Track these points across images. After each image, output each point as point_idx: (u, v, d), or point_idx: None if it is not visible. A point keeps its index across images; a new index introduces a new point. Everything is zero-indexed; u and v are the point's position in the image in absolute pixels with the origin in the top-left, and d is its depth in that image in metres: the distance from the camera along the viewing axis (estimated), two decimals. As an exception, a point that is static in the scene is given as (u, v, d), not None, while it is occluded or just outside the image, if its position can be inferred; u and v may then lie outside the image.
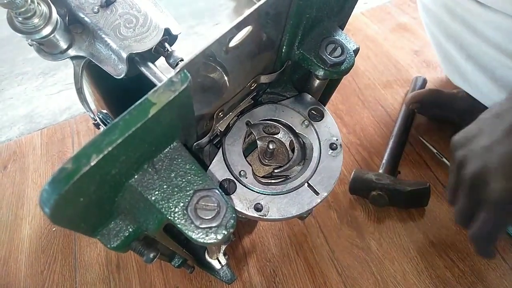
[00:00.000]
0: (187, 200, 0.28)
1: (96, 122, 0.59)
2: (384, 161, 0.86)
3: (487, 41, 0.65)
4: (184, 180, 0.29)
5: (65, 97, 1.18)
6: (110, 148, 0.23)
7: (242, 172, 0.40)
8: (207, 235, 0.28)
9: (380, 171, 0.84)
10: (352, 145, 0.93)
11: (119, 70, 0.42)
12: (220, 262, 0.68)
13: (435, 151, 0.88)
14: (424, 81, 1.01)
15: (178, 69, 0.25)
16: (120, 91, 0.53)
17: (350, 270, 0.75)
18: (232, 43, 0.33)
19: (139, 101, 0.24)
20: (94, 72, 0.56)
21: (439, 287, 0.72)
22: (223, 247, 0.68)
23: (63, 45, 0.43)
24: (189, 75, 0.25)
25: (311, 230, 0.81)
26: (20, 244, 0.82)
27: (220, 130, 0.42)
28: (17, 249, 0.81)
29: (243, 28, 0.30)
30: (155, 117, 0.24)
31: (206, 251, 0.62)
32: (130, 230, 0.31)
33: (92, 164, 0.22)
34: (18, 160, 0.98)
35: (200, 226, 0.28)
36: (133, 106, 0.24)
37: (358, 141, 0.94)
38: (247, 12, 0.29)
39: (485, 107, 0.75)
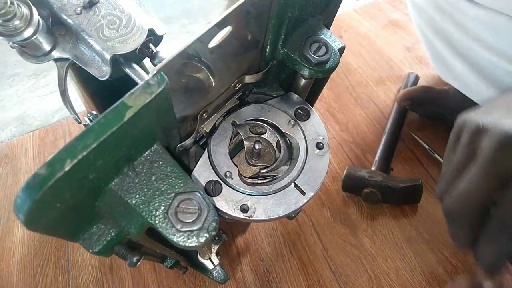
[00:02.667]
0: (168, 203, 0.28)
1: (86, 124, 0.58)
2: (376, 158, 0.86)
3: (476, 38, 0.64)
4: (165, 183, 0.29)
5: (57, 98, 1.17)
6: (85, 153, 0.22)
7: (227, 173, 0.39)
8: (188, 239, 0.27)
9: (373, 168, 0.84)
10: (345, 143, 0.93)
11: (103, 72, 0.42)
12: (212, 262, 0.68)
13: (427, 147, 0.88)
14: (417, 78, 1.01)
15: (155, 71, 0.25)
16: (109, 92, 0.53)
17: (343, 268, 0.75)
18: (215, 43, 0.32)
19: (115, 104, 0.24)
20: (82, 74, 0.56)
21: (432, 283, 0.72)
22: (215, 247, 0.68)
23: (46, 47, 0.42)
24: (166, 77, 0.25)
25: (304, 228, 0.81)
26: (12, 247, 0.81)
27: (206, 131, 0.42)
28: (9, 252, 0.80)
29: (224, 27, 0.30)
30: (132, 121, 0.24)
31: (197, 252, 0.62)
32: (113, 234, 0.31)
33: (67, 169, 0.22)
34: (10, 162, 0.97)
35: (181, 229, 0.27)
36: (108, 110, 0.24)
37: (351, 138, 0.94)
38: (228, 10, 0.28)
39: (476, 104, 0.75)
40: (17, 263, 0.79)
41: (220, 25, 0.28)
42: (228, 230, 0.79)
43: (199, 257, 0.66)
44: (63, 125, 1.04)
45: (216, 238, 0.67)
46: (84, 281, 0.76)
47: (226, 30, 0.31)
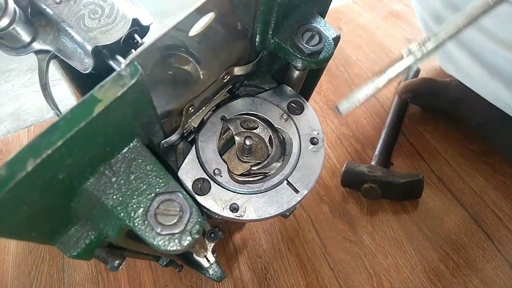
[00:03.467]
0: (147, 204, 0.26)
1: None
2: (376, 152, 0.84)
3: (479, 28, 0.62)
4: (144, 182, 0.27)
5: (52, 94, 1.15)
6: (49, 151, 0.20)
7: (216, 170, 0.37)
8: (169, 242, 0.25)
9: (373, 163, 0.82)
10: (344, 137, 0.91)
11: (85, 65, 0.40)
12: (208, 260, 0.66)
13: None
14: (417, 70, 0.98)
15: (127, 61, 0.23)
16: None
17: (342, 265, 0.73)
18: (197, 31, 0.30)
19: (83, 98, 0.22)
20: (72, 69, 0.54)
21: (433, 280, 0.71)
22: (211, 245, 0.66)
23: (26, 38, 0.40)
24: (140, 68, 0.23)
25: (302, 224, 0.79)
26: (7, 245, 0.80)
27: (194, 126, 0.39)
28: (4, 250, 0.79)
29: (205, 13, 0.28)
30: (102, 116, 0.22)
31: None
32: (92, 237, 0.29)
33: (29, 169, 0.20)
34: (4, 159, 0.95)
35: (161, 233, 0.25)
36: (76, 104, 0.22)
37: (350, 132, 0.92)
38: (208, -5, 0.26)
39: (478, 95, 0.73)
40: (11, 261, 0.78)
41: (200, 11, 0.26)
42: (224, 227, 0.78)
43: (194, 256, 0.64)
44: (57, 121, 1.02)
45: (212, 236, 0.65)
46: (79, 279, 0.75)
47: (209, 17, 0.29)
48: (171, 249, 0.26)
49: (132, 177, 0.27)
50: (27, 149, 0.20)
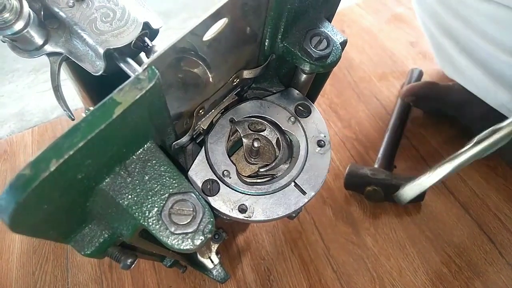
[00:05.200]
0: (161, 204, 0.27)
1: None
2: (379, 155, 0.85)
3: (481, 34, 0.63)
4: (158, 183, 0.28)
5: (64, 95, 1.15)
6: (71, 152, 0.21)
7: (225, 172, 0.38)
8: (183, 241, 0.26)
9: (376, 165, 0.83)
10: (347, 140, 0.92)
11: (97, 67, 0.41)
12: (212, 262, 0.67)
13: None
14: (420, 73, 0.99)
15: (145, 65, 0.24)
16: (107, 88, 0.51)
17: (345, 267, 0.74)
18: (210, 35, 0.31)
19: (103, 101, 0.22)
20: (79, 70, 0.54)
21: (435, 283, 0.71)
22: (215, 246, 0.67)
23: (38, 41, 0.41)
24: (157, 71, 0.23)
25: (305, 226, 0.80)
26: (11, 244, 0.80)
27: (203, 128, 0.40)
28: (8, 250, 0.79)
29: (218, 19, 0.28)
30: (121, 118, 0.23)
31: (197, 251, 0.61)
32: (106, 236, 0.30)
33: (52, 169, 0.21)
34: (9, 159, 0.96)
35: (175, 232, 0.26)
36: (96, 106, 0.22)
37: (353, 135, 0.92)
38: (222, 1, 0.27)
39: (480, 100, 0.74)
40: (16, 260, 0.78)
41: (214, 17, 0.27)
42: (228, 228, 0.78)
43: (199, 256, 0.65)
44: (62, 122, 1.03)
45: (216, 237, 0.66)
46: (83, 279, 0.76)
47: (222, 22, 0.29)
48: (185, 248, 0.26)
49: (147, 177, 0.28)
50: (50, 150, 0.21)
